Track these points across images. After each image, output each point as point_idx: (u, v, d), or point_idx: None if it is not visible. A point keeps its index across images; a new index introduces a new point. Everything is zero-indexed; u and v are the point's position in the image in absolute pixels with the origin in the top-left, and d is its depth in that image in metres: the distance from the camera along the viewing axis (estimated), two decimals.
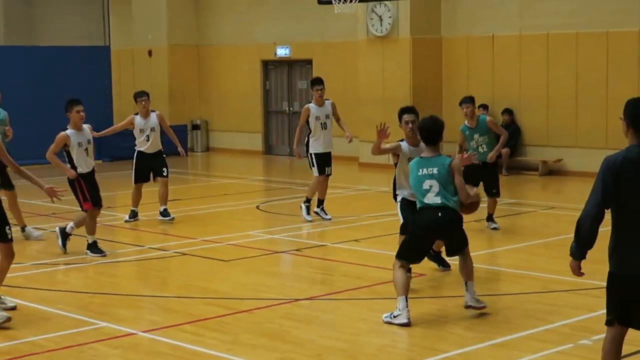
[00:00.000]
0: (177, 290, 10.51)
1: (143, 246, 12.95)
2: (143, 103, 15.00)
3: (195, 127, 26.98)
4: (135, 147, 15.16)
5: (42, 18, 27.56)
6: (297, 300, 9.87)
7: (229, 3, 26.77)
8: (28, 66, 23.88)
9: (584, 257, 6.11)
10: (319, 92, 14.77)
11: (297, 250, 12.54)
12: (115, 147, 24.58)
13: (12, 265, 11.41)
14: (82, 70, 24.71)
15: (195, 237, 13.51)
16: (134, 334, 8.64)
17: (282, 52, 25.50)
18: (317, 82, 14.96)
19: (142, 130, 14.94)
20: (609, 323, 6.11)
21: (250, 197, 17.23)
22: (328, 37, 24.26)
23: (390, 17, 21.70)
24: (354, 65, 22.85)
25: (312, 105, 14.74)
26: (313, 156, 14.63)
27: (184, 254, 12.36)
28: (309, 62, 24.96)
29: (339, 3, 17.36)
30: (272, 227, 14.47)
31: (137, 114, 15.08)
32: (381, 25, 21.90)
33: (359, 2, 17.58)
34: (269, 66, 26.23)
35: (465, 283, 9.23)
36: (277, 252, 12.52)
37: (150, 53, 27.42)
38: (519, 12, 20.86)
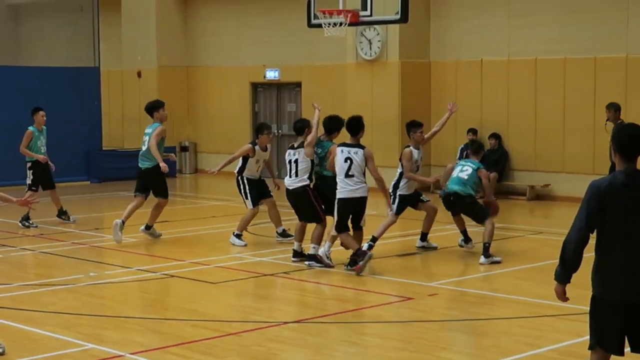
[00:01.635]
0: (165, 312, 10.49)
1: (131, 268, 12.93)
2: (270, 136, 15.43)
3: (184, 148, 26.98)
4: (243, 175, 15.13)
5: (31, 39, 27.58)
6: (285, 323, 9.86)
7: (218, 25, 26.84)
8: (16, 86, 23.83)
9: (569, 281, 6.15)
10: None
11: (285, 272, 12.54)
12: (103, 169, 24.60)
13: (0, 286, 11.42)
14: (71, 92, 24.68)
15: (183, 259, 13.50)
16: (121, 355, 8.62)
17: (271, 74, 25.57)
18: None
19: (257, 161, 15.10)
20: (591, 347, 6.14)
21: (239, 219, 17.19)
22: (317, 60, 24.34)
23: (379, 40, 21.79)
24: (342, 89, 22.91)
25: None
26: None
27: (172, 276, 12.34)
28: (298, 85, 25.02)
29: (328, 26, 17.39)
30: (260, 249, 14.45)
31: (254, 144, 15.13)
32: (370, 48, 21.99)
33: (348, 25, 17.61)
34: (258, 88, 26.29)
35: None
36: (266, 275, 12.51)
37: (139, 74, 27.43)
38: (508, 37, 20.99)
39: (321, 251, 12.89)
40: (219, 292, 11.62)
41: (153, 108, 15.50)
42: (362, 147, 12.58)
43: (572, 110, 19.77)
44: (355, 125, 12.84)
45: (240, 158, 15.09)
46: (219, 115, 26.70)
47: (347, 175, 12.39)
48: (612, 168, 16.02)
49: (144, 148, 15.16)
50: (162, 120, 15.42)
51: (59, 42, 26.56)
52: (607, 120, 16.60)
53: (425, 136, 14.60)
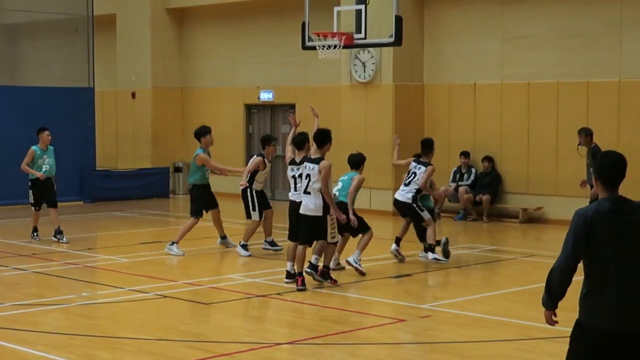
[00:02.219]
0: (158, 332, 10.48)
1: (124, 288, 12.92)
2: (276, 148, 16.49)
3: (177, 169, 26.99)
4: (252, 187, 15.79)
5: (26, 58, 27.61)
6: (278, 344, 9.86)
7: (213, 47, 26.93)
8: (11, 106, 23.87)
9: (556, 307, 6.15)
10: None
11: (278, 294, 12.54)
12: (96, 189, 24.60)
13: None
14: (65, 111, 24.70)
15: (176, 280, 13.50)
16: None
17: (265, 96, 25.64)
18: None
19: (265, 173, 15.93)
20: None
21: (232, 240, 17.18)
22: (311, 82, 24.43)
23: (373, 63, 21.88)
24: (336, 111, 22.97)
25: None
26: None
27: (165, 297, 12.33)
28: (292, 106, 25.07)
29: (323, 49, 17.45)
30: (253, 270, 14.46)
31: (262, 155, 15.85)
32: (364, 71, 22.08)
33: (342, 48, 17.68)
34: (252, 110, 26.34)
35: None
36: (259, 296, 12.51)
37: (133, 95, 27.50)
38: (501, 61, 21.09)
39: (352, 259, 13.70)
40: (212, 312, 11.62)
41: (200, 134, 16.36)
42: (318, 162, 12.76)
43: (565, 134, 19.84)
44: (323, 137, 13.09)
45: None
46: (213, 136, 26.67)
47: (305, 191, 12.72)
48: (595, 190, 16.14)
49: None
50: (207, 145, 16.42)
51: (53, 62, 26.57)
52: (578, 144, 16.76)
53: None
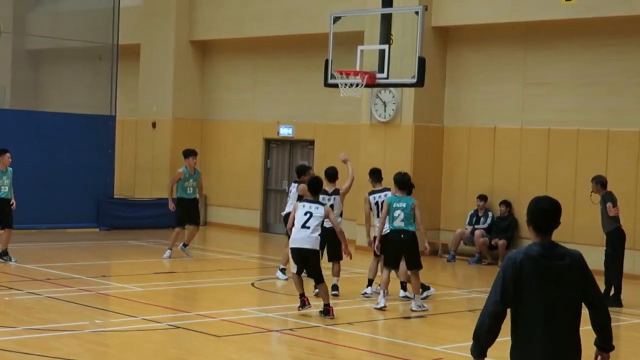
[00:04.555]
0: None
1: (136, 317, 12.91)
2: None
3: None
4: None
5: (49, 84, 27.82)
6: None
7: (234, 80, 27.06)
8: (33, 131, 24.05)
9: (485, 356, 6.03)
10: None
11: (290, 329, 12.51)
12: (113, 217, 24.67)
13: (3, 329, 11.44)
14: (86, 138, 24.88)
15: (188, 311, 13.49)
16: None
17: (285, 131, 25.72)
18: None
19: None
20: None
21: (246, 273, 17.21)
22: (331, 119, 24.49)
23: (394, 103, 21.93)
24: (355, 149, 23.00)
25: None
26: None
27: (177, 327, 12.32)
28: (312, 142, 25.15)
29: (345, 87, 17.52)
30: (266, 305, 14.43)
31: (298, 183, 16.69)
32: (385, 110, 22.12)
33: (364, 87, 17.74)
34: (272, 144, 26.42)
35: None
36: (270, 331, 12.49)
37: (154, 125, 27.63)
38: (522, 105, 21.11)
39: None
40: (222, 345, 11.59)
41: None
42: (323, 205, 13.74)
43: (584, 182, 19.76)
44: (316, 185, 13.82)
45: None
46: (231, 169, 26.82)
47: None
48: (609, 236, 16.10)
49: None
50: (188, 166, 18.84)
51: (77, 89, 26.76)
52: (591, 192, 16.75)
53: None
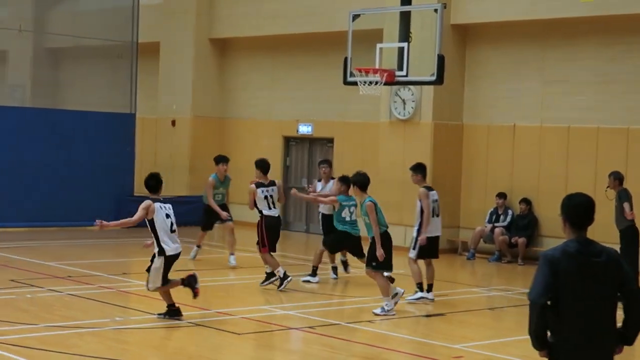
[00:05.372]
0: None
1: (156, 314, 12.95)
2: (323, 169, 17.37)
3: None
4: (320, 210, 17.36)
5: (69, 82, 27.91)
6: None
7: (253, 78, 27.09)
8: (53, 129, 24.18)
9: (545, 348, 6.08)
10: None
11: (310, 327, 12.54)
12: (133, 214, 24.69)
13: (25, 327, 11.51)
14: (106, 136, 25.01)
15: (209, 309, 13.53)
16: None
17: (304, 129, 25.74)
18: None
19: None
20: None
21: (261, 272, 17.16)
22: (350, 117, 24.48)
23: (413, 101, 21.92)
24: (374, 147, 23.02)
25: None
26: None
27: (197, 325, 12.37)
28: (331, 140, 25.16)
29: (364, 85, 17.52)
30: (286, 302, 14.46)
31: (320, 180, 17.43)
32: (404, 108, 22.12)
33: (384, 85, 17.74)
34: (291, 142, 26.45)
35: None
36: (290, 329, 12.52)
37: (173, 123, 27.70)
38: (541, 103, 21.06)
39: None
40: (242, 343, 11.63)
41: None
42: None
43: (603, 179, 19.65)
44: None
45: None
46: (250, 167, 26.68)
47: None
48: (623, 233, 16.06)
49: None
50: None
51: (96, 87, 26.84)
52: (607, 187, 16.73)
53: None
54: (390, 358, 11.07)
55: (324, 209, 17.05)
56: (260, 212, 15.61)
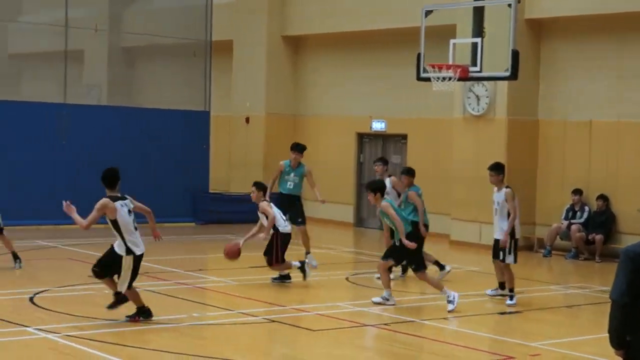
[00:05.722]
0: (264, 356, 10.57)
1: (232, 310, 13.06)
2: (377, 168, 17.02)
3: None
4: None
5: (144, 81, 28.23)
6: None
7: (326, 75, 27.13)
8: (129, 127, 24.51)
9: (624, 347, 6.00)
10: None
11: (385, 324, 12.52)
12: (208, 211, 24.97)
13: (103, 322, 11.66)
14: (181, 134, 25.28)
15: (284, 305, 13.59)
16: None
17: (377, 125, 25.70)
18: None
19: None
20: None
21: (340, 268, 17.27)
22: (424, 113, 24.38)
23: (487, 97, 21.75)
24: (448, 143, 22.90)
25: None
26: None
27: (273, 321, 12.43)
28: (404, 137, 25.10)
29: (437, 81, 17.43)
30: (360, 299, 14.46)
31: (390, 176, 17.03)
32: (478, 104, 21.96)
33: (457, 80, 17.64)
34: (364, 139, 26.43)
35: None
36: (365, 325, 12.51)
37: (247, 120, 27.87)
38: (617, 98, 20.74)
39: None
40: (317, 339, 11.66)
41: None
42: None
43: None
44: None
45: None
46: (323, 164, 26.87)
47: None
48: None
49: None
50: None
51: (171, 85, 27.12)
52: None
53: None
54: (465, 356, 11.01)
55: None
56: (276, 229, 15.34)
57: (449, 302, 13.49)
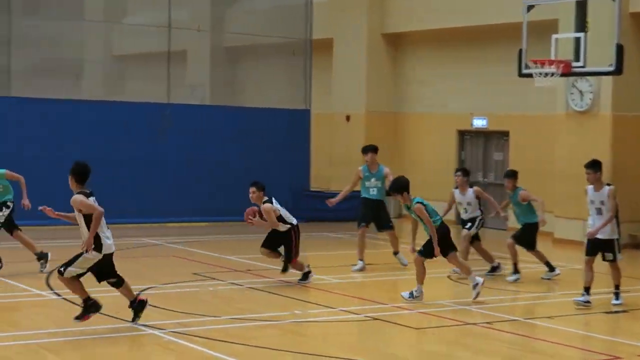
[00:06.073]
0: (367, 354, 10.57)
1: (334, 308, 13.12)
2: (457, 179, 16.72)
3: (388, 193, 27.08)
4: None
5: (245, 80, 28.52)
6: None
7: (426, 72, 27.02)
8: (232, 126, 24.84)
9: None
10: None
11: (488, 323, 12.43)
12: (310, 209, 25.08)
13: (208, 319, 11.83)
14: (282, 132, 25.50)
15: (386, 303, 13.59)
16: None
17: (478, 122, 25.51)
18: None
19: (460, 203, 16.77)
20: None
21: (441, 265, 17.14)
22: (526, 109, 24.10)
23: (591, 92, 21.38)
24: (551, 139, 22.59)
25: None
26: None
27: (375, 319, 12.44)
28: (506, 134, 24.85)
29: (539, 76, 17.25)
30: (462, 297, 14.37)
31: (456, 187, 16.81)
32: (581, 100, 21.61)
33: (560, 76, 17.42)
34: (465, 136, 26.26)
35: None
36: (468, 324, 12.44)
37: (348, 118, 27.94)
38: None
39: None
40: (420, 338, 11.64)
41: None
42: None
43: None
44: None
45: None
46: (424, 162, 26.79)
47: None
48: None
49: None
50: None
51: (272, 84, 27.36)
52: None
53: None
54: (570, 355, 10.87)
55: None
56: (290, 223, 15.10)
57: (474, 287, 13.71)
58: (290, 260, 15.04)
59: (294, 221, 15.21)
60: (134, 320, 11.53)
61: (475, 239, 16.47)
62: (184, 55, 27.45)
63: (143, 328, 11.37)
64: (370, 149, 17.19)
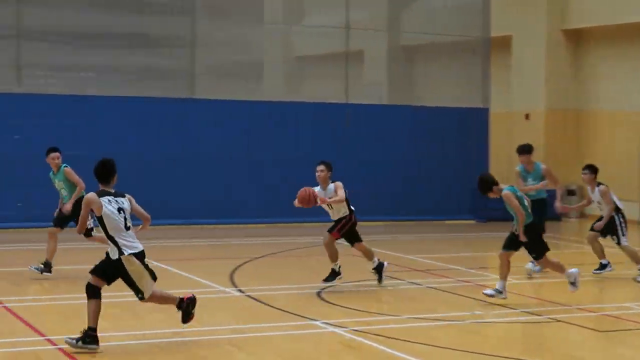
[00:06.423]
0: (551, 357, 10.39)
1: (516, 309, 12.95)
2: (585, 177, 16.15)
3: (570, 192, 26.61)
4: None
5: (422, 80, 28.50)
6: None
7: (609, 68, 26.38)
8: (409, 125, 24.91)
9: None
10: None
11: None
12: (488, 208, 24.83)
13: (388, 318, 11.87)
14: (459, 131, 25.39)
15: (569, 304, 13.32)
16: None
17: None
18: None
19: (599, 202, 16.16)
20: None
21: (627, 267, 16.65)
22: None
23: None
24: None
25: None
26: None
27: (558, 321, 12.21)
28: None
29: None
30: None
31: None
32: None
33: None
34: None
35: None
36: None
37: (527, 116, 27.54)
38: None
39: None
40: (603, 341, 11.36)
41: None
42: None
43: None
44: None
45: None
46: (607, 160, 26.10)
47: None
48: None
49: None
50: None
51: (449, 83, 27.26)
52: None
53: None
54: None
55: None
56: (350, 208, 14.32)
57: (571, 284, 13.38)
58: (331, 231, 14.27)
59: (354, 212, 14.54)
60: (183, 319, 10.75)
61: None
62: (361, 55, 27.63)
63: (325, 326, 11.50)
64: (527, 150, 16.63)
